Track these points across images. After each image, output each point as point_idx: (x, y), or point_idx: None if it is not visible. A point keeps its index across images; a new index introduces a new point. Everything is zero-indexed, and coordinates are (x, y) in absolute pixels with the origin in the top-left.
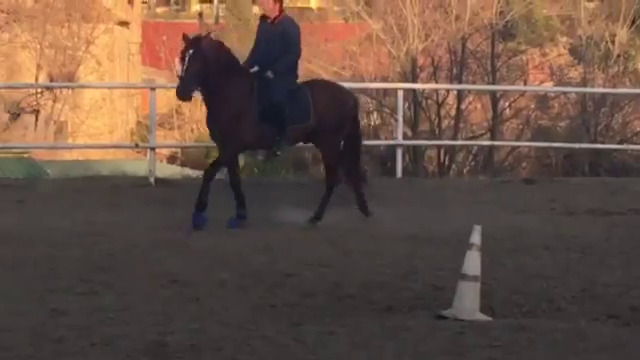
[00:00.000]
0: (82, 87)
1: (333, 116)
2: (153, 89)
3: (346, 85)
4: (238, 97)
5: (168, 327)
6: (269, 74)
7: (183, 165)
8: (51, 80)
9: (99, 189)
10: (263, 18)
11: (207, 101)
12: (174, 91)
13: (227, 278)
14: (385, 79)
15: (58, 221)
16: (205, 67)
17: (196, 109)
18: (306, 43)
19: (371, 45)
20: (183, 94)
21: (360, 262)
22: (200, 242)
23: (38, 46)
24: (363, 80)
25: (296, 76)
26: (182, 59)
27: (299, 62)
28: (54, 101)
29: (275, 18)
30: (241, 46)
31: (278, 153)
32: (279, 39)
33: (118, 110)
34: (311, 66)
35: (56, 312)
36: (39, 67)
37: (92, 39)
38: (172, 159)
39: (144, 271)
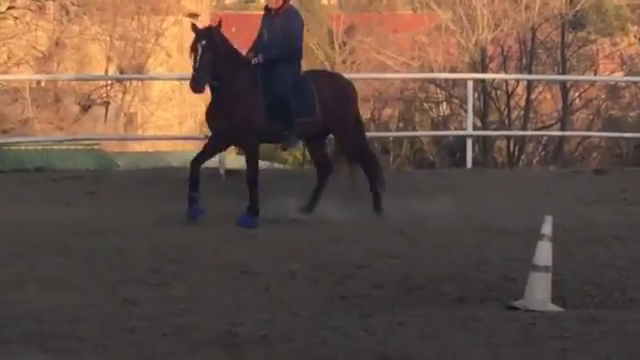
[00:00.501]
0: (152, 79)
1: (339, 108)
2: None
3: (415, 76)
4: (246, 90)
5: (239, 318)
6: (258, 58)
7: None
8: (121, 72)
9: (169, 181)
10: (267, 9)
11: (216, 94)
12: None
13: (297, 269)
14: (454, 70)
15: (129, 213)
16: (217, 58)
17: None
18: (375, 34)
19: (440, 35)
20: (197, 86)
21: (430, 253)
22: (270, 233)
23: (108, 38)
24: (432, 71)
25: (299, 67)
26: (194, 50)
27: (301, 53)
28: (124, 93)
29: (278, 9)
30: (310, 38)
31: (288, 148)
32: (282, 30)
33: (187, 102)
34: (380, 57)
35: (128, 302)
36: (109, 59)
37: (162, 31)
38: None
39: (215, 262)
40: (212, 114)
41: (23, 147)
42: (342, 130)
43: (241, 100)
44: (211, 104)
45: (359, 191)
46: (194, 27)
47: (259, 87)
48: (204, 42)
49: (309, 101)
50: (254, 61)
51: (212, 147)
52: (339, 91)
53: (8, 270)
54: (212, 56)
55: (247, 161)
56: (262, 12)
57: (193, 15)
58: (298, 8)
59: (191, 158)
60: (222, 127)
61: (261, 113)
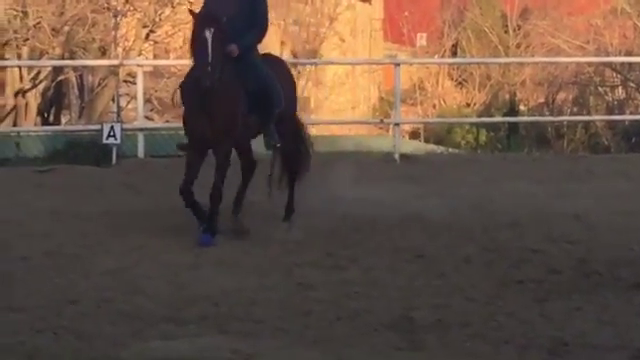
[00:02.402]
0: (326, 63)
1: (294, 95)
2: (397, 65)
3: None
4: (234, 86)
5: (414, 302)
6: (233, 47)
7: (426, 141)
8: (294, 56)
9: (344, 163)
10: None
11: (204, 93)
12: (416, 67)
13: (472, 253)
14: (630, 53)
15: (302, 193)
16: (224, 50)
17: (438, 85)
18: (550, 17)
19: (616, 18)
20: (213, 83)
21: (606, 238)
22: (445, 217)
23: (282, 22)
24: (608, 54)
25: (257, 52)
26: (200, 40)
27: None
28: (298, 78)
29: None
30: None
31: (277, 145)
32: (248, 8)
33: (360, 86)
34: (554, 40)
35: (303, 286)
36: (283, 44)
37: (335, 15)
38: (414, 135)
39: (389, 246)
40: (198, 116)
41: None
42: (291, 118)
43: (231, 98)
44: (198, 105)
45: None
46: (192, 12)
47: (239, 80)
48: (213, 30)
49: (278, 90)
50: (232, 52)
51: (196, 161)
52: (290, 77)
53: (185, 253)
54: (222, 47)
55: (218, 169)
56: None
57: (366, 0)
58: None
59: (365, 142)
60: (206, 129)
61: (243, 114)
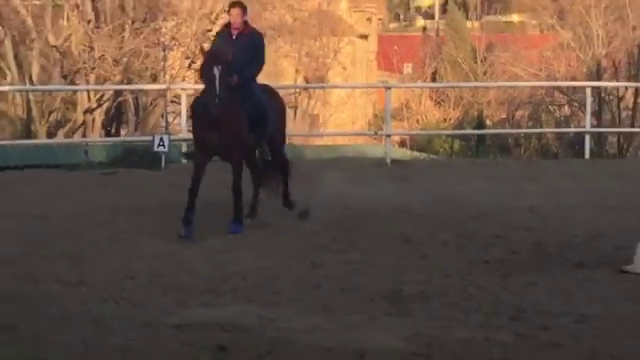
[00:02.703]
0: (331, 87)
1: (283, 117)
2: (388, 88)
3: (542, 84)
4: (238, 109)
5: (402, 278)
6: (234, 78)
7: (411, 149)
8: (306, 82)
9: (345, 168)
10: (226, 28)
11: (213, 114)
12: (403, 90)
13: (448, 238)
14: (574, 78)
15: (314, 191)
16: (228, 83)
17: (421, 104)
18: (510, 50)
19: (562, 51)
20: (219, 110)
21: (555, 226)
22: (426, 209)
23: (296, 55)
24: (556, 79)
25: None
26: (209, 74)
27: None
28: (309, 99)
29: (242, 30)
30: (457, 53)
31: (269, 158)
32: (250, 50)
33: (359, 105)
34: (513, 69)
35: (314, 265)
36: (297, 72)
37: (338, 49)
38: (402, 144)
39: (382, 232)
40: (207, 131)
41: None
42: (282, 137)
43: (236, 119)
44: (206, 123)
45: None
46: (202, 50)
47: (242, 105)
48: (220, 67)
49: (271, 112)
50: (233, 82)
51: (202, 164)
52: (281, 103)
53: (220, 239)
54: (227, 81)
55: (234, 173)
56: (419, 34)
57: (363, 36)
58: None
59: (362, 150)
60: (215, 143)
61: (247, 128)
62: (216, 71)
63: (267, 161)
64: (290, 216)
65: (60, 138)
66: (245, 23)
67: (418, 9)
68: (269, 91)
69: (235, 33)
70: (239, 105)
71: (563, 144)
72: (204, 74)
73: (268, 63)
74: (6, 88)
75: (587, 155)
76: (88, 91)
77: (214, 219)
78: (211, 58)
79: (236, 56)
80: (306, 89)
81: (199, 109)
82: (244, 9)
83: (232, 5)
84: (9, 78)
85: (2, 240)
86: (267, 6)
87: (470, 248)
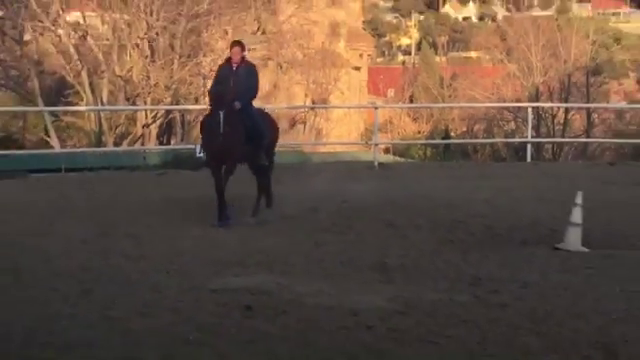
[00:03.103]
0: (332, 107)
1: (276, 133)
2: (376, 108)
3: (494, 105)
4: (237, 127)
5: (386, 253)
6: (237, 104)
7: (394, 154)
8: (313, 103)
9: (343, 169)
10: (227, 62)
11: (219, 130)
12: (387, 110)
13: (422, 223)
14: (519, 100)
15: (319, 188)
16: (230, 119)
17: (400, 121)
18: (469, 79)
19: (509, 79)
20: (221, 141)
21: (505, 214)
22: (406, 201)
23: (305, 82)
24: (504, 101)
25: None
26: (216, 118)
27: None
28: (315, 116)
29: (240, 63)
30: (428, 81)
31: (266, 163)
32: (246, 80)
33: (353, 121)
34: (472, 93)
35: (318, 244)
36: (306, 95)
37: (338, 78)
38: (387, 151)
39: (372, 219)
40: (213, 144)
41: None
42: (273, 148)
43: (235, 135)
44: (216, 138)
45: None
46: (210, 93)
47: (241, 124)
48: (224, 111)
49: (265, 128)
50: (237, 106)
51: (218, 170)
52: (274, 122)
53: (246, 224)
54: (230, 120)
55: (226, 174)
56: (399, 66)
57: (356, 68)
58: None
59: (356, 156)
60: (219, 152)
61: (243, 144)
62: (221, 115)
63: (262, 166)
64: (299, 207)
65: (124, 146)
66: (242, 57)
67: (399, 47)
68: (263, 113)
69: (235, 66)
70: (239, 124)
71: (510, 151)
72: (211, 115)
73: (283, 88)
74: (83, 108)
75: (529, 159)
76: (146, 110)
77: (242, 210)
78: (216, 103)
79: (237, 84)
80: (313, 109)
81: (208, 130)
82: (243, 47)
83: (234, 44)
84: (85, 100)
85: (80, 224)
86: (283, 45)
87: (438, 230)
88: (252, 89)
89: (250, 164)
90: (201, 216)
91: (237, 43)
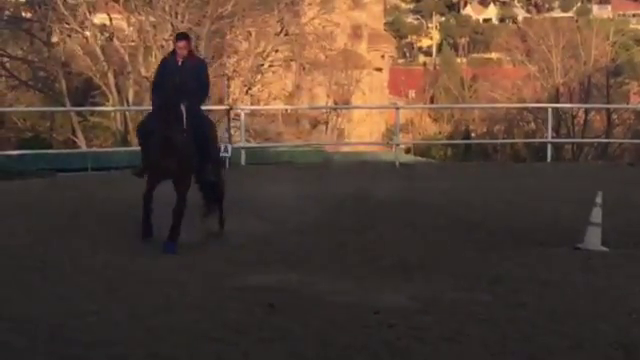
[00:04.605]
0: (354, 108)
1: (216, 139)
2: (397, 109)
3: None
4: (188, 135)
5: (407, 252)
6: (183, 106)
7: (415, 154)
8: (335, 104)
9: (365, 168)
10: (171, 56)
11: (169, 139)
12: (409, 110)
13: (442, 223)
14: (539, 101)
15: (340, 187)
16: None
17: (421, 121)
18: (489, 80)
19: (530, 81)
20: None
21: (525, 214)
22: (426, 200)
23: (328, 83)
24: (525, 101)
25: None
26: (177, 110)
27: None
28: (337, 117)
29: (187, 58)
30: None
31: (213, 179)
32: (195, 77)
33: (375, 122)
34: (493, 94)
35: (339, 243)
36: (328, 96)
37: (360, 79)
38: (408, 151)
39: (393, 218)
40: (162, 158)
41: (278, 149)
42: (219, 161)
43: (187, 144)
44: (164, 149)
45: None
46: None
47: (189, 130)
48: (186, 104)
49: (214, 135)
50: (183, 109)
51: (155, 184)
52: (215, 128)
53: (269, 223)
54: (189, 113)
55: (183, 196)
56: (420, 67)
57: (378, 69)
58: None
59: (377, 156)
60: (170, 168)
61: (195, 155)
62: (183, 108)
63: (208, 182)
64: (321, 206)
65: None
66: (190, 52)
67: (420, 48)
68: (206, 116)
69: (180, 60)
70: (189, 131)
71: (530, 151)
72: (165, 106)
73: (305, 89)
74: (109, 108)
75: (549, 159)
76: None
77: (264, 207)
78: (177, 92)
79: (183, 82)
80: (335, 109)
81: (151, 136)
82: (189, 40)
83: (180, 37)
84: (111, 101)
85: (105, 223)
86: (305, 46)
87: (459, 230)
88: (203, 88)
89: (196, 179)
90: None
91: (183, 36)
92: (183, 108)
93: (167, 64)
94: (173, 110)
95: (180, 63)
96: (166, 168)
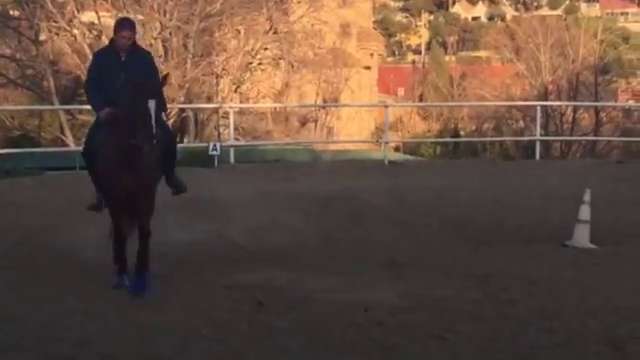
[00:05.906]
0: (343, 106)
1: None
2: (386, 107)
3: (503, 104)
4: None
5: (396, 250)
6: (151, 107)
7: (404, 153)
8: (324, 102)
9: (354, 166)
10: (110, 49)
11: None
12: (397, 108)
13: (432, 221)
14: (527, 99)
15: (329, 185)
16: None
17: (410, 119)
18: (478, 78)
19: (518, 78)
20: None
21: (513, 211)
22: (415, 199)
23: (317, 81)
24: (513, 100)
25: None
26: (143, 108)
27: None
28: (326, 115)
29: (130, 51)
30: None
31: (182, 192)
32: (141, 71)
33: (364, 120)
34: (481, 92)
35: (331, 241)
36: (317, 94)
37: (349, 77)
38: (396, 149)
39: (382, 217)
40: (130, 177)
41: (267, 147)
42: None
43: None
44: (127, 164)
45: None
46: (132, 83)
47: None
48: (155, 101)
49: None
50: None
51: (127, 218)
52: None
53: (262, 220)
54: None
55: (146, 238)
56: (409, 65)
57: (367, 67)
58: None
59: (366, 154)
60: (134, 186)
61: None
62: (151, 106)
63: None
64: (310, 205)
65: None
66: (134, 43)
67: (409, 47)
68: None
69: (123, 54)
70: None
71: (519, 149)
72: (134, 108)
73: (294, 87)
74: None
75: (537, 157)
76: None
77: (254, 206)
78: (143, 90)
79: (129, 78)
80: (324, 107)
81: (112, 150)
82: (134, 28)
83: (122, 24)
84: None
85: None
86: (294, 45)
87: (448, 227)
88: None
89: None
90: (213, 212)
91: (127, 22)
92: (152, 109)
93: (105, 58)
94: (142, 114)
95: (123, 58)
96: (126, 188)
